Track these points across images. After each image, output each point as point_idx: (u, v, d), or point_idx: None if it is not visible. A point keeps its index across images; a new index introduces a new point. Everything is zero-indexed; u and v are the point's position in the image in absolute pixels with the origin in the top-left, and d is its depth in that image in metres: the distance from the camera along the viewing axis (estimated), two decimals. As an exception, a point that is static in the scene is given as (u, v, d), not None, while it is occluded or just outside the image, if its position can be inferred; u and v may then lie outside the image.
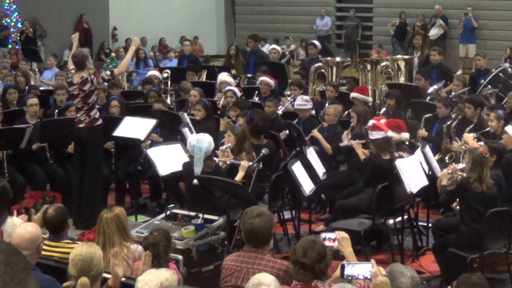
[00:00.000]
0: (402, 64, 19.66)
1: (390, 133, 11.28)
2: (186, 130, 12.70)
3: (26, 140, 12.68)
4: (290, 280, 6.68)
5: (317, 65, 19.02)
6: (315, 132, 12.83)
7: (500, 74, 17.03)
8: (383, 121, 11.76)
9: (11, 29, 26.45)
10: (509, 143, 10.93)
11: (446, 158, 12.61)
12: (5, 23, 26.37)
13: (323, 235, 6.86)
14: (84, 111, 11.71)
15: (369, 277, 5.78)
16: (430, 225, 11.31)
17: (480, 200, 9.59)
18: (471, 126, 12.65)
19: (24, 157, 12.92)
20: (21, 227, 6.87)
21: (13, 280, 2.37)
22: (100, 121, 11.92)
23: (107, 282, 6.41)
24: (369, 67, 19.29)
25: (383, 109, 15.10)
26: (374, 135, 11.18)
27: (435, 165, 11.59)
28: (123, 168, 13.05)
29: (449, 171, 10.03)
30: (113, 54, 24.53)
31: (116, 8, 29.97)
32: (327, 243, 6.64)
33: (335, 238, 6.64)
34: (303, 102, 14.12)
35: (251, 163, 10.69)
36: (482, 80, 16.77)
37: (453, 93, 15.58)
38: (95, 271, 6.18)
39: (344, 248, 6.64)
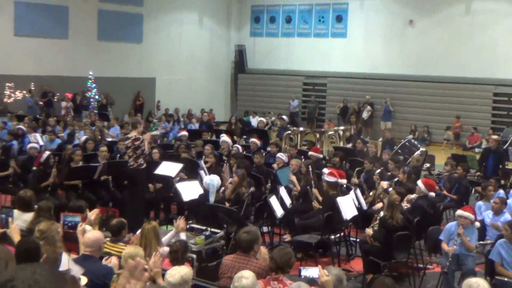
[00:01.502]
0: (341, 133, 19.91)
1: (340, 181, 11.44)
2: (202, 172, 12.74)
3: (97, 174, 12.79)
4: (266, 276, 6.69)
5: (287, 132, 19.34)
6: (293, 177, 12.85)
7: (407, 143, 17.14)
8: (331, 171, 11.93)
9: (91, 100, 26.56)
10: (420, 192, 11.03)
11: (370, 193, 12.69)
12: (88, 95, 26.48)
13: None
14: (133, 158, 11.71)
15: (316, 276, 5.79)
16: (358, 240, 11.33)
17: (392, 229, 9.65)
18: (395, 179, 12.72)
19: (96, 185, 12.91)
20: (90, 232, 6.87)
21: None
22: (144, 165, 11.88)
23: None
24: (318, 135, 19.65)
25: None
26: (330, 178, 11.25)
27: (362, 201, 11.75)
28: (160, 194, 13.03)
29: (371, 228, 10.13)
30: (155, 120, 24.54)
31: (160, 88, 30.09)
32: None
33: (318, 277, 5.84)
34: (282, 155, 14.30)
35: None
36: (395, 147, 16.92)
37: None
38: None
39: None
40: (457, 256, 9.14)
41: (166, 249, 7.53)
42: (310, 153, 14.92)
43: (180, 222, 8.55)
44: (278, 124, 24.32)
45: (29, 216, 8.45)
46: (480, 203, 11.48)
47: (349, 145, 18.18)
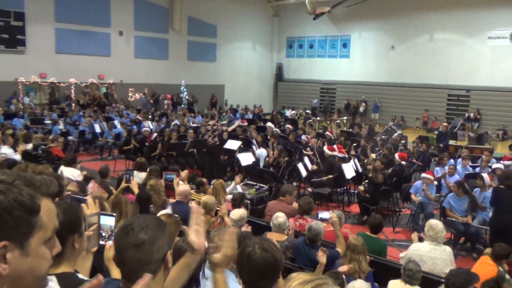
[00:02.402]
0: (344, 121, 19.60)
1: (344, 156, 11.33)
2: (254, 147, 12.74)
3: (187, 147, 12.81)
4: (295, 215, 6.68)
5: (309, 120, 19.08)
6: (307, 152, 12.77)
7: (388, 128, 16.87)
8: (338, 147, 11.78)
9: (183, 99, 26.69)
10: (396, 161, 10.85)
11: (365, 160, 12.49)
12: (181, 96, 26.63)
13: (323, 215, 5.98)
14: (211, 137, 11.77)
15: (328, 217, 5.76)
16: (355, 192, 11.16)
17: (376, 185, 9.54)
18: (380, 152, 12.51)
19: (186, 154, 12.94)
20: (181, 185, 6.86)
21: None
22: (217, 143, 11.93)
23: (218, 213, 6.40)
24: (329, 122, 19.38)
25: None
26: (340, 154, 11.22)
27: (358, 166, 11.54)
28: (227, 161, 13.04)
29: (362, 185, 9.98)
30: (224, 113, 24.48)
31: (227, 91, 29.97)
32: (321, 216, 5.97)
33: (329, 217, 5.67)
34: (305, 136, 14.12)
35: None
36: (379, 131, 16.64)
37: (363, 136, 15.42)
38: (209, 208, 6.18)
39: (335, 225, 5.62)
40: (421, 203, 9.03)
41: (229, 196, 7.58)
42: (326, 133, 14.79)
43: (237, 177, 8.59)
44: (304, 115, 24.08)
45: (143, 175, 8.59)
46: (437, 168, 11.23)
47: (350, 129, 17.97)
